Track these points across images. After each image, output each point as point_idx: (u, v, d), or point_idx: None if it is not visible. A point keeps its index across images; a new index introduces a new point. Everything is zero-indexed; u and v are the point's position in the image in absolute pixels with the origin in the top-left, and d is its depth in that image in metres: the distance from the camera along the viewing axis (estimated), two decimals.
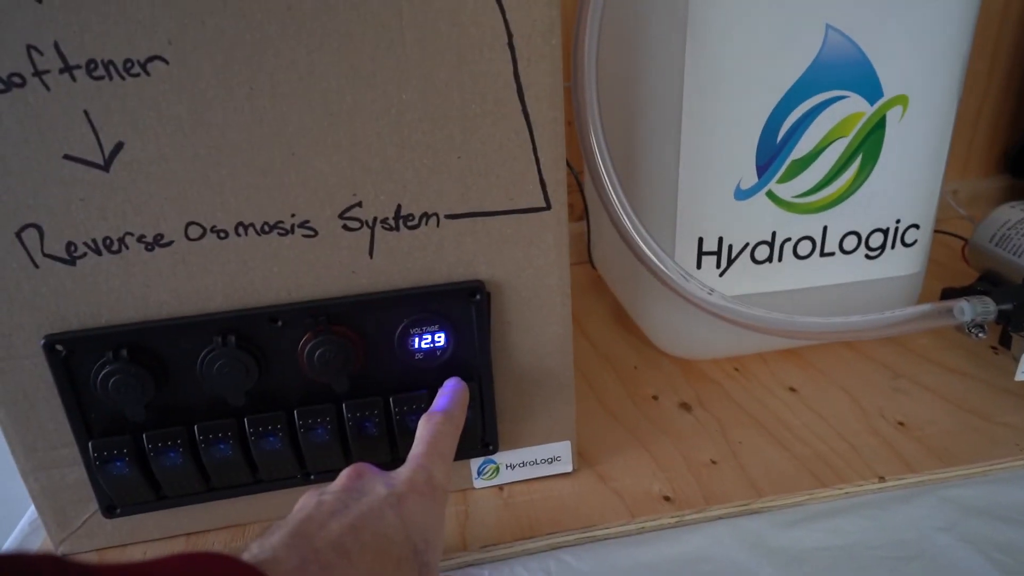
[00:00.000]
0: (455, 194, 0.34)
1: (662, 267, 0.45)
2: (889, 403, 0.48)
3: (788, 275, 0.49)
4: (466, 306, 0.36)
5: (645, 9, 0.45)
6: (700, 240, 0.47)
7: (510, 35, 0.32)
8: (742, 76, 0.43)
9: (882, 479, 0.41)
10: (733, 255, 0.48)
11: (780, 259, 0.48)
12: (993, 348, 0.54)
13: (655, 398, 0.50)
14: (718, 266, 0.48)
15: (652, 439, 0.45)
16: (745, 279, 0.48)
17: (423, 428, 0.33)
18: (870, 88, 0.45)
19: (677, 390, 0.51)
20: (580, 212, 0.65)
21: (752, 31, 0.42)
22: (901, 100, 0.45)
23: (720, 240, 0.47)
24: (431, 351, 0.36)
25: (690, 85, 0.43)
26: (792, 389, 0.50)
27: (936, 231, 0.72)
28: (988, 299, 0.45)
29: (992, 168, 0.83)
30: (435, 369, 0.37)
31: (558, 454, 0.42)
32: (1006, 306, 0.45)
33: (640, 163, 0.49)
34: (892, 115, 0.46)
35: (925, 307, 0.45)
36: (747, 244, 0.48)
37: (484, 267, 0.36)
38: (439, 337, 0.36)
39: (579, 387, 0.51)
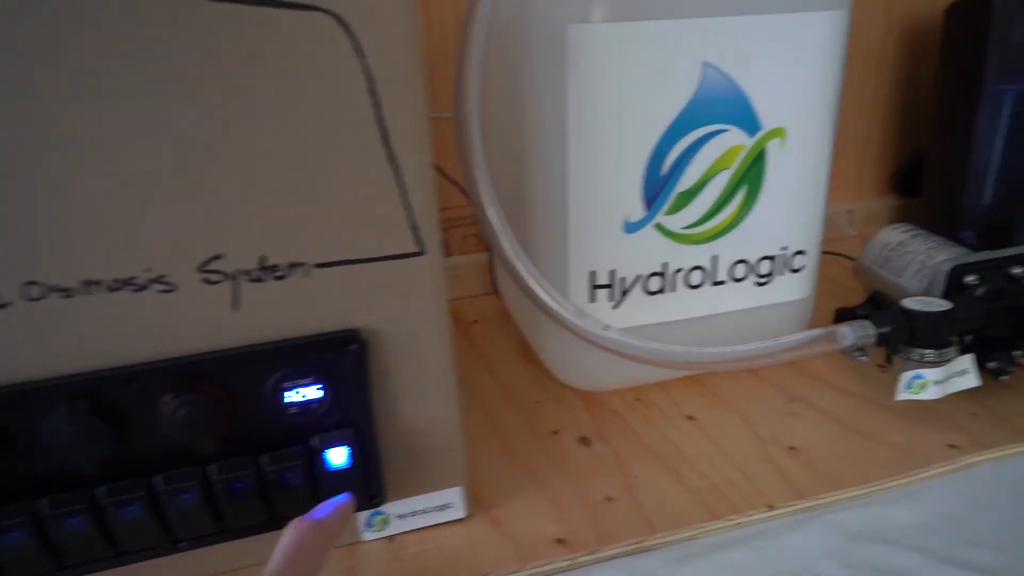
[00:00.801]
0: (323, 242, 0.33)
1: (554, 305, 0.44)
2: (783, 427, 0.49)
3: (682, 305, 0.50)
4: (341, 356, 0.35)
5: (527, 46, 0.44)
6: (592, 274, 0.47)
7: (371, 80, 0.31)
8: (625, 112, 0.43)
9: (771, 507, 0.41)
10: (626, 287, 0.48)
11: (673, 289, 0.49)
12: (880, 366, 0.55)
13: (555, 433, 0.49)
14: (611, 299, 0.48)
15: (549, 477, 0.45)
16: (639, 311, 0.49)
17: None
18: (749, 122, 0.46)
19: (578, 424, 0.50)
20: (487, 242, 0.65)
21: (632, 69, 0.42)
22: (779, 132, 0.47)
23: (612, 273, 0.47)
24: (306, 405, 0.35)
25: (573, 121, 0.43)
26: (691, 417, 0.50)
27: (830, 252, 0.75)
28: (868, 323, 0.46)
29: (884, 189, 0.87)
30: (312, 423, 0.35)
31: (449, 501, 0.40)
32: (885, 329, 0.46)
33: (531, 198, 0.48)
34: (772, 147, 0.47)
35: (810, 334, 0.46)
36: (639, 276, 0.48)
37: (359, 316, 0.35)
38: (314, 390, 0.35)
39: (479, 425, 0.50)
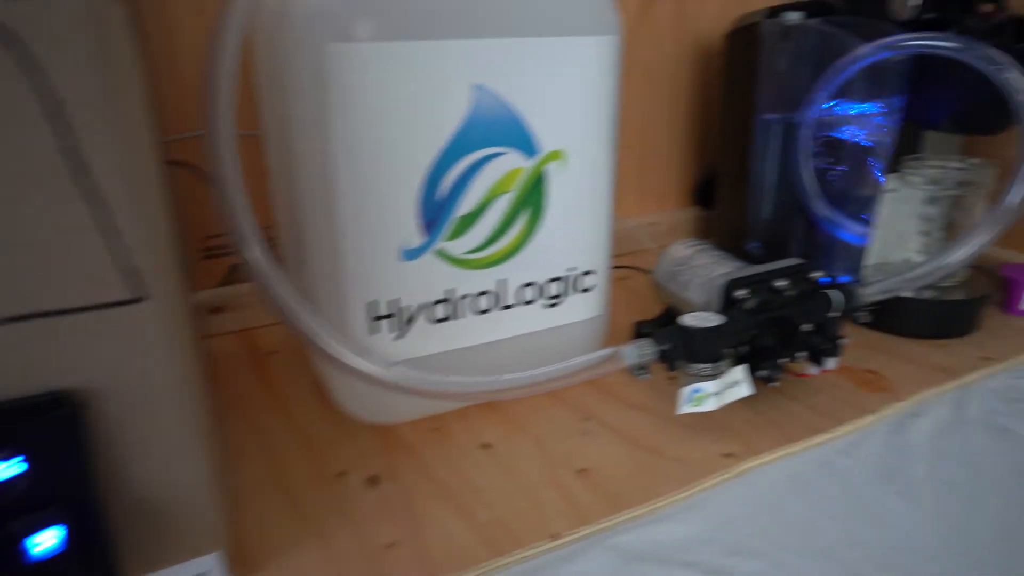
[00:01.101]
0: (10, 294, 0.28)
1: (330, 344, 0.41)
2: (576, 449, 0.49)
3: (471, 331, 0.48)
4: (47, 423, 0.30)
5: (287, 64, 0.41)
6: (372, 304, 0.45)
7: (55, 104, 0.26)
8: (395, 135, 0.41)
9: (555, 537, 0.41)
10: (410, 317, 0.46)
11: (460, 316, 0.47)
12: (671, 379, 0.57)
13: (342, 475, 0.46)
14: (394, 330, 0.46)
15: (331, 526, 0.42)
16: (426, 340, 0.47)
17: None
18: (526, 144, 0.45)
19: (368, 463, 0.48)
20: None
21: (400, 91, 0.40)
22: (558, 155, 0.47)
23: (393, 303, 0.45)
24: (5, 484, 0.30)
25: (339, 145, 0.40)
26: (486, 446, 0.49)
27: (631, 267, 0.78)
28: (649, 342, 0.47)
29: (686, 202, 0.92)
30: (15, 504, 0.30)
31: (205, 569, 0.36)
32: (664, 347, 0.47)
33: (304, 226, 0.45)
34: (551, 169, 0.47)
35: (595, 356, 0.46)
36: (423, 304, 0.46)
37: (69, 375, 0.30)
38: (13, 465, 0.29)
39: (261, 471, 0.46)
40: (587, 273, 0.51)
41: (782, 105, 0.68)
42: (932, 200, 0.65)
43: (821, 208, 0.64)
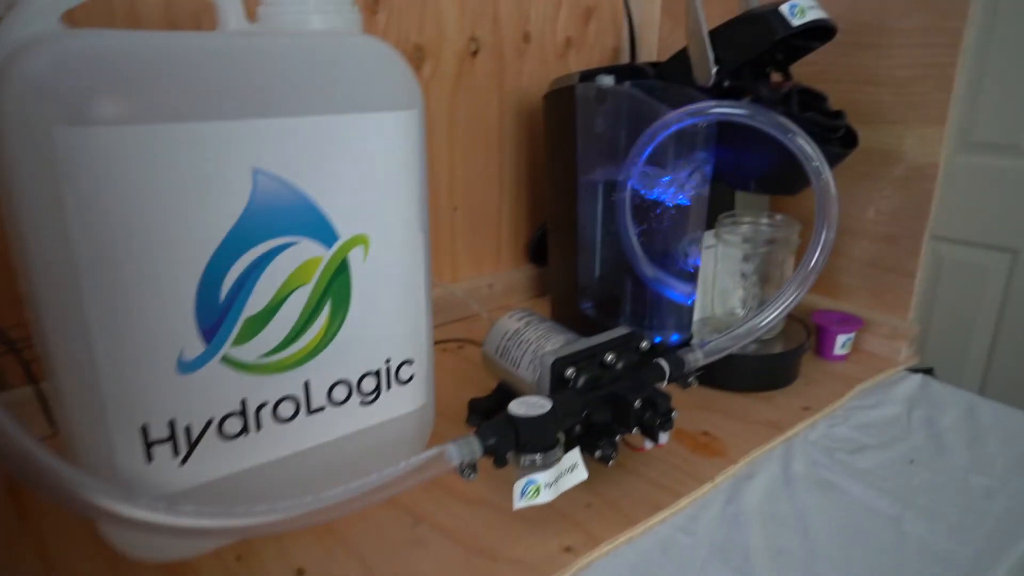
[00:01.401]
0: None
1: (81, 496, 0.33)
2: (404, 564, 0.44)
3: (274, 442, 0.42)
4: None
5: (8, 148, 0.34)
6: (144, 428, 0.37)
7: None
8: (155, 232, 0.35)
9: None
10: (194, 437, 0.39)
11: (259, 428, 0.41)
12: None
13: None
14: (176, 454, 0.39)
15: None
16: (218, 461, 0.40)
17: None
18: (323, 231, 0.40)
19: None
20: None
21: (157, 180, 0.34)
22: (361, 240, 0.42)
23: (172, 423, 0.38)
24: None
25: (82, 246, 0.34)
26: (301, 572, 0.43)
27: (463, 340, 0.74)
28: (474, 439, 0.43)
29: (521, 260, 0.90)
30: None
31: None
32: (490, 441, 0.44)
33: (49, 340, 0.37)
34: (354, 256, 0.42)
35: (417, 460, 0.42)
36: (211, 420, 0.39)
37: None
38: None
39: None
40: (406, 363, 0.47)
41: (601, 165, 0.68)
42: (747, 257, 0.67)
43: (647, 270, 0.64)
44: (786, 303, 0.55)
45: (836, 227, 0.54)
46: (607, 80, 0.66)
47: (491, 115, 0.81)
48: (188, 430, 0.39)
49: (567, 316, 0.78)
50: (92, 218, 0.33)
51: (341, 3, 0.45)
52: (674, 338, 0.67)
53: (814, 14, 0.58)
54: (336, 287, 0.42)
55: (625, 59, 0.92)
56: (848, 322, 0.72)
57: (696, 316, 0.71)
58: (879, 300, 0.76)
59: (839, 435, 0.60)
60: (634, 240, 0.63)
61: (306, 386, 0.42)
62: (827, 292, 0.79)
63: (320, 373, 0.43)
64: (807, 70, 0.67)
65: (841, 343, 0.72)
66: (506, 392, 0.60)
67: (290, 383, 0.42)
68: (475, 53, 0.77)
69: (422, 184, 0.45)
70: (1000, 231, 1.20)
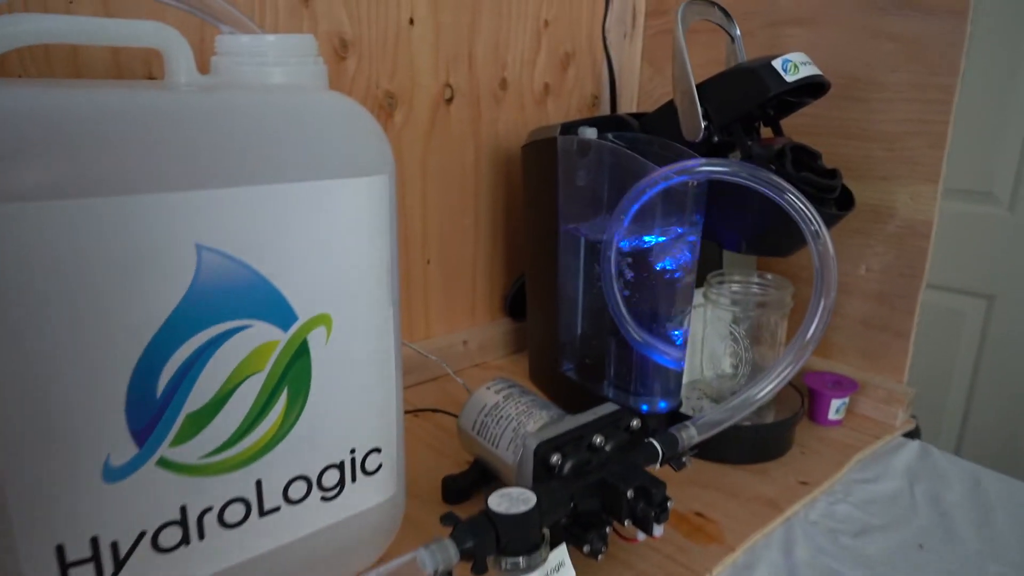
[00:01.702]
0: None
1: None
2: None
3: (220, 551, 0.37)
4: None
5: None
6: (61, 548, 0.32)
7: None
8: (78, 319, 0.30)
9: None
10: (123, 554, 0.33)
11: (202, 537, 0.36)
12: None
13: None
14: (101, 575, 0.33)
15: None
16: None
17: None
18: (279, 312, 0.36)
19: None
20: None
21: (77, 262, 0.29)
22: (323, 320, 0.37)
23: (96, 540, 0.33)
24: None
25: None
26: None
27: (437, 410, 0.69)
28: (449, 542, 0.38)
29: (497, 313, 0.86)
30: None
31: None
32: (468, 544, 0.39)
33: None
34: (315, 338, 0.37)
35: (387, 569, 0.37)
36: (143, 533, 0.34)
37: None
38: None
39: None
40: (373, 451, 0.42)
41: (583, 219, 0.65)
42: (737, 320, 0.63)
43: (633, 332, 0.60)
44: (784, 374, 0.51)
45: (835, 293, 0.51)
46: (589, 132, 0.62)
47: (466, 164, 0.77)
48: (115, 547, 0.33)
49: (546, 378, 0.74)
50: (3, 301, 0.28)
51: (304, 54, 0.41)
52: (662, 405, 0.63)
53: (808, 70, 0.55)
54: (294, 373, 0.37)
55: (605, 106, 0.89)
56: (842, 385, 0.69)
57: (685, 379, 0.67)
58: (872, 361, 0.73)
59: (841, 514, 0.56)
60: (620, 302, 0.59)
61: (258, 486, 0.37)
62: (819, 351, 0.76)
63: (275, 470, 0.38)
64: (794, 122, 0.64)
65: (836, 408, 0.68)
66: (483, 469, 0.55)
67: (239, 483, 0.36)
68: (450, 100, 0.74)
69: (392, 254, 0.41)
70: (976, 277, 1.19)
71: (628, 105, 0.90)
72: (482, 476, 0.55)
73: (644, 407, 0.63)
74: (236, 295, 0.34)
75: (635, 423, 0.49)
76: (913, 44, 0.65)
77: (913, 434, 0.70)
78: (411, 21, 0.68)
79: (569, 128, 0.65)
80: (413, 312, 0.77)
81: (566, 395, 0.70)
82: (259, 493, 0.37)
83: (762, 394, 0.50)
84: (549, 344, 0.71)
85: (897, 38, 0.65)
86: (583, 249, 0.65)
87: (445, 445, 0.63)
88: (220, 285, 0.33)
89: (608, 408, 0.49)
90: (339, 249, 0.37)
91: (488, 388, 0.55)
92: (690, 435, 0.50)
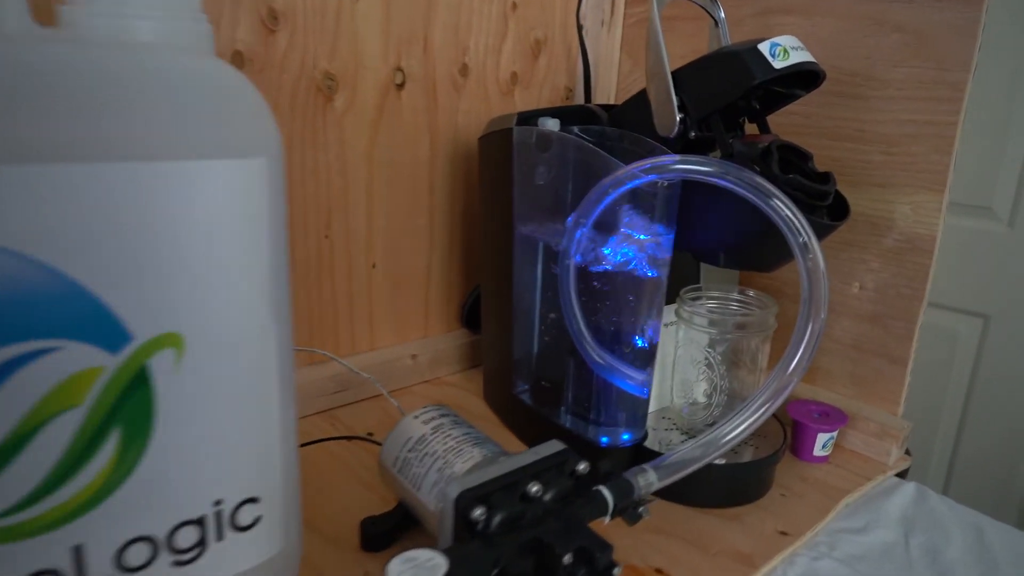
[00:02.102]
0: None
1: None
2: None
3: None
4: None
5: None
6: None
7: None
8: None
9: None
10: None
11: None
12: None
13: None
14: None
15: None
16: None
17: None
18: (104, 331, 0.28)
19: None
20: None
21: None
22: (170, 341, 0.29)
23: None
24: None
25: None
26: None
27: (359, 438, 0.60)
28: None
29: (453, 324, 0.78)
30: None
31: None
32: None
33: None
34: (160, 364, 0.29)
35: None
36: None
37: None
38: None
39: None
40: (248, 502, 0.34)
41: (542, 223, 0.57)
42: (713, 343, 0.56)
43: (592, 352, 0.52)
44: (762, 411, 0.44)
45: (825, 315, 0.43)
46: (550, 124, 0.54)
47: (420, 157, 0.69)
48: None
49: (499, 400, 0.66)
50: None
51: (175, 9, 0.33)
52: (624, 437, 0.55)
53: (799, 56, 0.48)
54: (129, 408, 0.29)
55: (579, 100, 0.81)
56: (830, 417, 0.61)
57: (652, 407, 0.60)
58: (864, 389, 0.65)
59: (825, 573, 0.48)
60: (579, 318, 0.51)
61: (78, 552, 0.29)
62: (805, 376, 0.68)
63: (104, 530, 0.29)
64: (782, 121, 0.57)
65: (822, 443, 0.60)
66: (406, 512, 0.47)
67: (49, 550, 0.28)
68: (401, 85, 0.66)
69: (276, 255, 0.33)
70: (972, 295, 1.12)
71: (604, 100, 0.83)
72: (405, 519, 0.47)
73: (604, 439, 0.55)
74: (39, 309, 0.26)
75: (582, 467, 0.41)
76: (920, 35, 0.57)
77: (903, 473, 0.62)
78: None
79: (528, 118, 0.57)
80: (356, 322, 0.69)
81: (521, 421, 0.62)
82: (79, 562, 0.29)
83: (734, 435, 0.42)
84: (502, 362, 0.63)
85: (902, 28, 0.58)
86: (541, 256, 0.57)
87: (376, 478, 0.55)
88: (15, 296, 0.25)
89: (551, 448, 0.41)
90: (195, 249, 0.29)
91: (416, 417, 0.47)
92: (648, 481, 0.42)
